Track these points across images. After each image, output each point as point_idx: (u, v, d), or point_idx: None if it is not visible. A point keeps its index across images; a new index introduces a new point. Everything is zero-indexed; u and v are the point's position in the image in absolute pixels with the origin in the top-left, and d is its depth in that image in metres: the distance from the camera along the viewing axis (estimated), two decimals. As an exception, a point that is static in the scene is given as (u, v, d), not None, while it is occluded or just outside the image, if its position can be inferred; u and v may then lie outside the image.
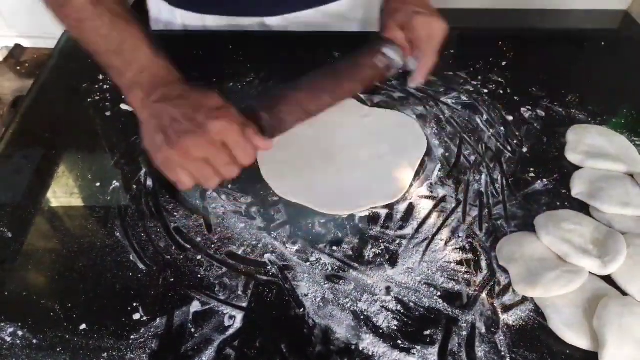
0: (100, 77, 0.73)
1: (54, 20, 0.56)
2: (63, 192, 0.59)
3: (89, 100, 0.70)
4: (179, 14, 0.81)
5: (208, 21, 0.81)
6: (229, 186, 0.59)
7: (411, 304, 0.49)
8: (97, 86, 0.72)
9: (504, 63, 0.77)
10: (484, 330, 0.47)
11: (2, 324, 0.47)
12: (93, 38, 0.55)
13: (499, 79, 0.74)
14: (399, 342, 0.47)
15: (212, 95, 0.51)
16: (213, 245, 0.54)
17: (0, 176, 0.61)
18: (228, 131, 0.49)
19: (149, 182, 0.60)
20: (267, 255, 0.53)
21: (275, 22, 0.81)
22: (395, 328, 0.48)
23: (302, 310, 0.49)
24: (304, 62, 0.65)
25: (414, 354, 0.46)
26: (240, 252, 0.53)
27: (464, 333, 0.47)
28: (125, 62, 0.53)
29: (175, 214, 0.57)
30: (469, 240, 0.54)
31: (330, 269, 0.52)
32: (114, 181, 0.60)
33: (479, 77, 0.75)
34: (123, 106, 0.69)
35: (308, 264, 0.52)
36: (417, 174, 0.61)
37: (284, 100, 0.55)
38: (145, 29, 0.56)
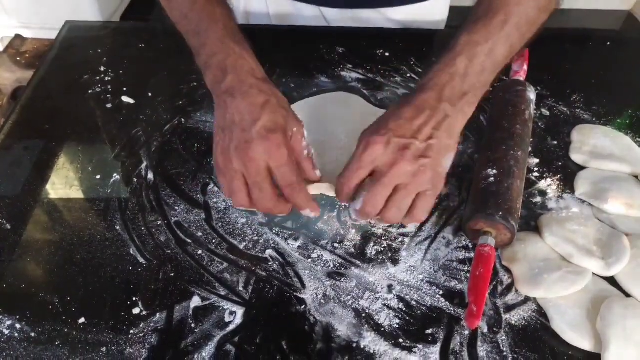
0: (102, 68, 0.73)
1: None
2: (63, 184, 0.58)
3: (89, 92, 0.70)
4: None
5: (271, 7, 0.82)
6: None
7: (413, 302, 0.49)
8: (97, 78, 0.72)
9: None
10: (486, 330, 0.47)
11: (0, 317, 0.47)
12: (177, 17, 0.56)
13: (503, 77, 0.74)
14: (401, 340, 0.46)
15: (275, 107, 0.50)
16: (214, 240, 0.53)
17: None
18: (272, 157, 0.48)
19: (150, 176, 0.59)
20: (268, 251, 0.52)
21: (333, 15, 0.81)
22: (397, 326, 0.47)
23: (303, 307, 0.48)
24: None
25: (415, 352, 0.45)
26: (241, 247, 0.53)
27: (466, 332, 0.47)
28: (200, 43, 0.53)
29: (176, 208, 0.56)
30: (472, 239, 0.54)
31: (332, 266, 0.51)
32: (114, 174, 0.59)
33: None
34: (124, 98, 0.68)
35: (310, 260, 0.52)
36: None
37: None
38: (228, 10, 0.55)
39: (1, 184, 0.58)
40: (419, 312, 0.48)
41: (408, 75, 0.74)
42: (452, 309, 0.48)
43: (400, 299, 0.49)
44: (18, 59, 1.66)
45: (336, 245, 0.53)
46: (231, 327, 0.47)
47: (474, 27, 0.52)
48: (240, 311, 0.48)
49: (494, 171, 0.54)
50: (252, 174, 0.48)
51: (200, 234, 0.54)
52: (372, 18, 0.82)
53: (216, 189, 0.58)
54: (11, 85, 1.58)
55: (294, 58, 0.75)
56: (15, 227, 0.54)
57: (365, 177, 0.49)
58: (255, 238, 0.54)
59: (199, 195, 0.57)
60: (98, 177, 0.59)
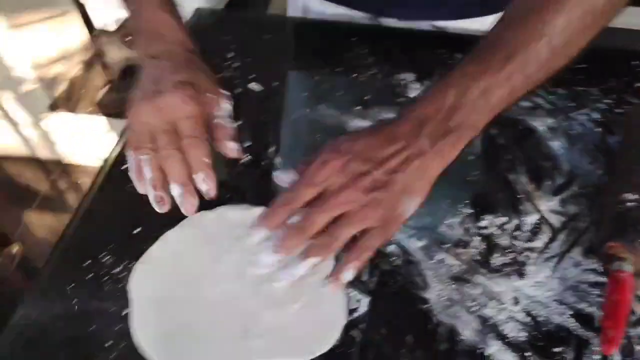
0: (230, 55, 0.76)
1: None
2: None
3: (217, 76, 0.73)
4: None
5: (328, 9, 0.82)
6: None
7: (540, 319, 0.48)
8: (226, 63, 0.75)
9: (637, 84, 0.73)
10: (619, 358, 0.45)
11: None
12: None
13: (634, 100, 0.71)
14: (527, 354, 0.45)
15: (197, 70, 0.52)
16: (339, 229, 0.54)
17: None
18: (179, 110, 0.48)
19: (277, 160, 0.61)
20: (391, 247, 0.53)
21: (392, 22, 0.81)
22: (524, 340, 0.46)
23: (426, 305, 0.48)
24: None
25: (542, 369, 0.44)
26: (365, 240, 0.54)
27: (596, 358, 0.45)
28: (137, 9, 0.55)
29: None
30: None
31: (456, 270, 0.51)
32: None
33: (613, 96, 0.72)
34: (252, 85, 0.71)
35: (433, 261, 0.52)
36: (547, 186, 0.59)
37: None
38: None
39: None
40: (545, 329, 0.47)
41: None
42: (581, 331, 0.47)
43: (527, 313, 0.48)
44: (127, 39, 1.77)
45: (460, 250, 0.53)
46: (356, 314, 0.48)
47: (472, 59, 0.46)
48: (365, 300, 0.49)
49: (635, 196, 0.52)
50: (158, 124, 0.48)
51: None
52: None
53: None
54: (120, 64, 1.69)
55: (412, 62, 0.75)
56: (154, 192, 0.57)
57: (311, 198, 0.45)
58: (379, 232, 0.54)
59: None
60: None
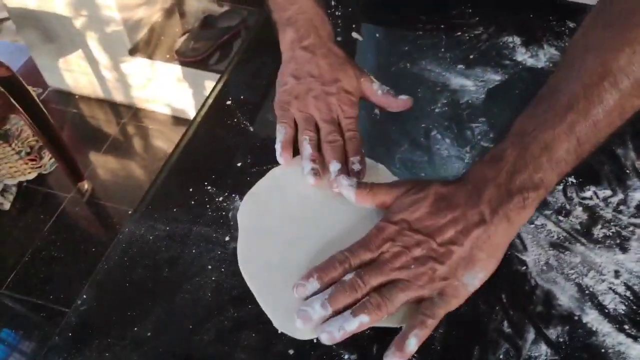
0: (333, 3, 0.75)
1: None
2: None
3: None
4: None
5: None
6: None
7: (642, 294, 0.47)
8: (330, 11, 0.74)
9: None
10: None
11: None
12: None
13: None
14: (626, 327, 0.44)
15: (349, 71, 0.56)
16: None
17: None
18: (345, 109, 0.54)
19: (376, 110, 0.61)
20: (489, 207, 0.52)
21: None
22: (623, 312, 0.45)
23: (524, 267, 0.48)
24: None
25: (641, 343, 0.44)
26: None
27: (700, 339, 0.44)
28: (289, 1, 0.57)
29: (401, 147, 0.58)
30: None
31: (555, 237, 0.50)
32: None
33: None
34: (354, 34, 0.70)
35: (532, 226, 0.51)
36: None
37: None
38: None
39: (245, 90, 0.64)
40: (646, 304, 0.46)
41: None
42: (686, 312, 0.46)
43: (628, 287, 0.47)
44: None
45: (561, 218, 0.52)
46: (452, 267, 0.48)
47: (533, 110, 0.43)
48: (461, 255, 0.49)
49: None
50: (325, 115, 0.54)
51: (423, 174, 0.55)
52: None
53: (439, 135, 0.58)
54: (198, 14, 1.71)
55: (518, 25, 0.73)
56: (257, 130, 0.59)
57: (366, 261, 0.44)
58: (477, 191, 0.54)
59: (422, 139, 0.58)
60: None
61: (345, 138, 0.54)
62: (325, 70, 0.56)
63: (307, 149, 0.53)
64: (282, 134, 0.54)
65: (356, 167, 0.52)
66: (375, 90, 0.57)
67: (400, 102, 0.57)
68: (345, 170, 0.52)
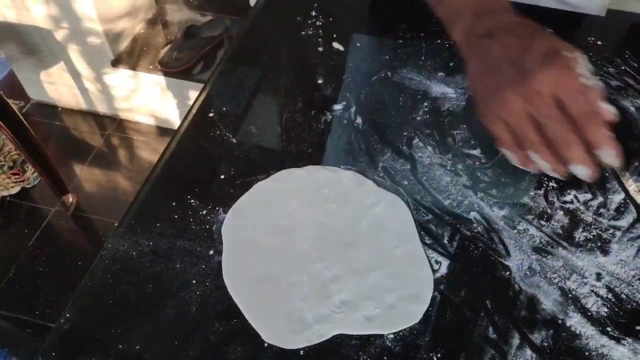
0: (313, 13, 0.76)
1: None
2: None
3: (302, 33, 0.73)
4: None
5: None
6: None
7: (623, 296, 0.47)
8: (310, 21, 0.75)
9: None
10: None
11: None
12: None
13: None
14: (609, 329, 0.45)
15: (547, 35, 0.43)
16: (419, 191, 0.55)
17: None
18: (561, 84, 0.40)
19: (358, 120, 0.61)
20: (472, 213, 0.53)
21: None
22: (605, 315, 0.46)
23: (507, 273, 0.49)
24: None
25: (624, 344, 0.44)
26: (446, 204, 0.54)
27: (681, 340, 0.45)
28: None
29: (383, 155, 0.58)
30: (692, 248, 0.51)
31: (538, 241, 0.51)
32: (326, 112, 0.62)
33: None
34: (335, 44, 0.71)
35: (515, 231, 0.52)
36: (635, 167, 0.57)
37: None
38: None
39: (228, 101, 0.64)
40: (629, 306, 0.47)
41: (622, 67, 0.69)
42: (666, 312, 0.46)
43: (609, 289, 0.48)
44: (191, 0, 1.79)
45: (543, 222, 0.52)
46: (436, 275, 0.48)
47: None
48: (445, 262, 0.49)
49: None
50: (540, 107, 0.41)
51: (405, 182, 0.55)
52: None
53: (421, 143, 0.59)
54: (181, 24, 1.71)
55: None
56: (239, 142, 0.59)
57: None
58: (460, 198, 0.54)
59: (404, 147, 0.59)
60: (313, 112, 0.62)
61: (579, 123, 0.44)
62: (514, 45, 0.46)
63: (534, 157, 0.48)
64: None
65: (611, 161, 0.44)
66: (581, 69, 0.45)
67: (604, 108, 0.44)
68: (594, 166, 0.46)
